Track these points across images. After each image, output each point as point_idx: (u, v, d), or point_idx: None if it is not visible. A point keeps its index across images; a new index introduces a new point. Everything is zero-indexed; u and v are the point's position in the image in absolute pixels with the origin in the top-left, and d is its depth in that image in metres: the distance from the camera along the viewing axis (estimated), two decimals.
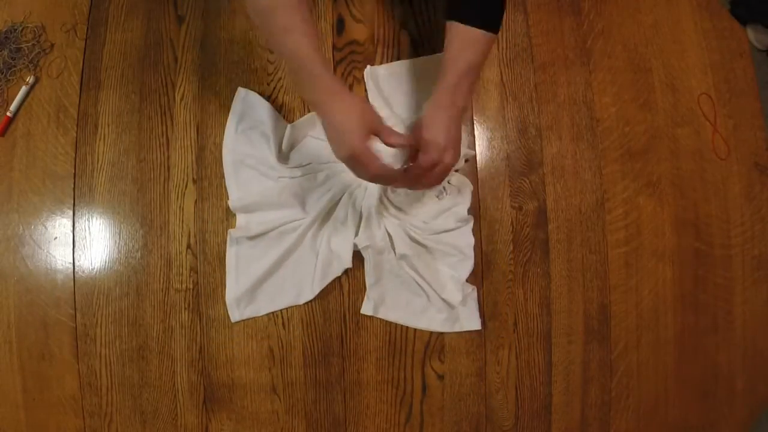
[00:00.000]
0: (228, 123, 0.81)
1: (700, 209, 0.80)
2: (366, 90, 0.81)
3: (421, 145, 0.66)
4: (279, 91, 0.83)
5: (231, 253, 0.78)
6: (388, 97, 0.80)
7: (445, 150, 0.65)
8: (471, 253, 0.77)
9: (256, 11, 0.61)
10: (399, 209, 0.77)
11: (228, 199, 0.79)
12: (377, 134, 0.64)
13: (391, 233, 0.75)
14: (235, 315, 0.78)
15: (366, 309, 0.76)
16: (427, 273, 0.75)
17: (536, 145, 0.80)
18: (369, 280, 0.76)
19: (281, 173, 0.78)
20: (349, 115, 0.62)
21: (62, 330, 0.81)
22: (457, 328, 0.76)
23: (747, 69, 0.84)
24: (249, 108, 0.81)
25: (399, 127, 0.77)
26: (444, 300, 0.75)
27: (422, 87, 0.80)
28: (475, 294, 0.77)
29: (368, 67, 0.82)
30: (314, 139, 0.80)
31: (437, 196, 0.77)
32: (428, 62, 0.81)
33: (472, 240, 0.77)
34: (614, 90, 0.82)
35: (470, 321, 0.76)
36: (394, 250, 0.76)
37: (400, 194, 0.77)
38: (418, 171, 0.67)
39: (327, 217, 0.77)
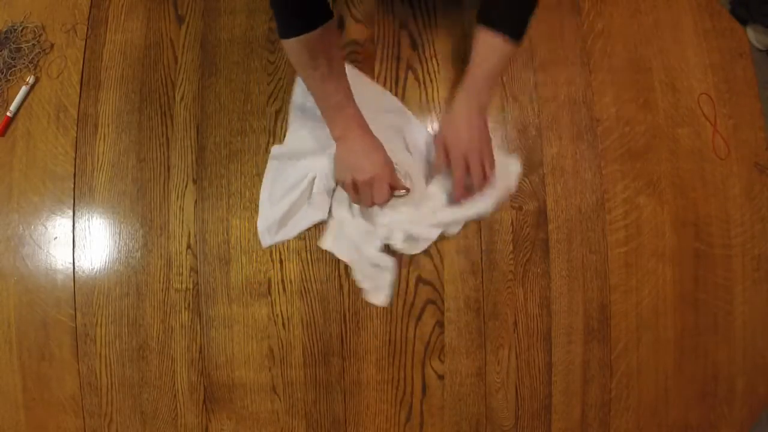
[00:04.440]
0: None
1: (700, 209, 0.80)
2: None
3: (447, 146, 0.72)
4: (279, 91, 0.83)
5: (267, 178, 0.80)
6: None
7: (469, 142, 0.70)
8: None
9: (296, 59, 0.65)
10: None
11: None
12: (383, 178, 0.70)
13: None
14: (267, 240, 0.79)
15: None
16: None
17: (536, 145, 0.80)
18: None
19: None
20: (374, 145, 0.71)
21: (62, 330, 0.81)
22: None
23: (747, 69, 0.84)
24: None
25: None
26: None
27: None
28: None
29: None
30: None
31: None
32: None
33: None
34: (614, 90, 0.82)
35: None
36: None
37: None
38: (457, 178, 0.72)
39: None
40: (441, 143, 0.73)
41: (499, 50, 0.69)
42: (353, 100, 0.70)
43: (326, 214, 0.78)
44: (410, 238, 0.76)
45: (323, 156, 0.78)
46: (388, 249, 0.77)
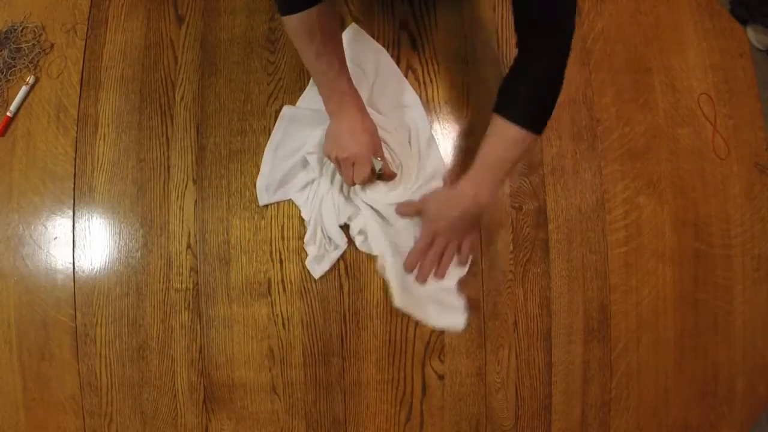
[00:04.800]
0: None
1: (700, 209, 0.80)
2: None
3: (427, 216, 0.72)
4: (279, 90, 0.83)
5: (274, 139, 0.80)
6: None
7: (443, 233, 0.71)
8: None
9: (293, 35, 0.66)
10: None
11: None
12: (369, 157, 0.71)
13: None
14: (264, 199, 0.79)
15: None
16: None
17: (536, 145, 0.80)
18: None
19: None
20: (363, 126, 0.70)
21: (62, 330, 0.81)
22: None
23: (747, 69, 0.84)
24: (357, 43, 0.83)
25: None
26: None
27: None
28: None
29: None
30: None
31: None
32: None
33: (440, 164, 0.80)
34: (614, 90, 0.82)
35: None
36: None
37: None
38: (419, 249, 0.72)
39: None
40: (421, 204, 0.72)
41: (518, 143, 0.63)
42: (348, 79, 0.70)
43: (318, 174, 0.78)
44: (363, 232, 0.76)
45: (325, 124, 0.78)
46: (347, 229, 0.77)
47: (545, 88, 0.63)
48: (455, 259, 0.74)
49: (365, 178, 0.72)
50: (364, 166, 0.70)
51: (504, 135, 0.64)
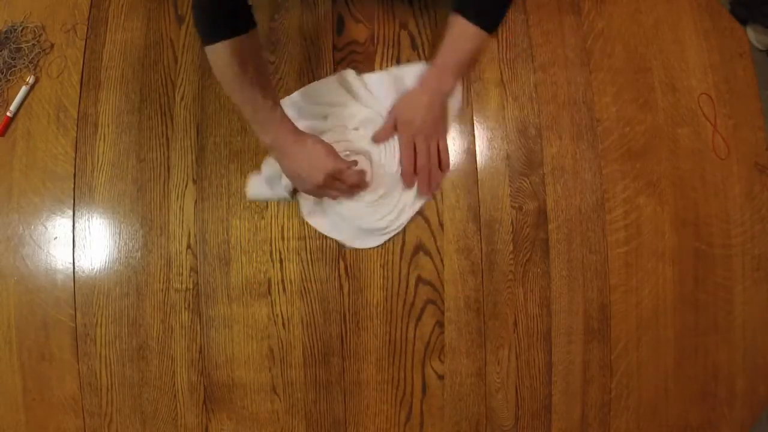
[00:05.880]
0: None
1: (700, 209, 0.80)
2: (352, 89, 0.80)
3: (398, 123, 0.75)
4: (280, 90, 0.83)
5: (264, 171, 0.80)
6: (371, 96, 0.80)
7: (423, 123, 0.73)
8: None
9: (223, 65, 0.63)
10: None
11: None
12: (337, 172, 0.71)
13: None
14: (251, 194, 0.80)
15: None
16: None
17: (536, 145, 0.80)
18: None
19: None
20: (309, 144, 0.70)
21: (62, 330, 0.81)
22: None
23: (747, 69, 0.84)
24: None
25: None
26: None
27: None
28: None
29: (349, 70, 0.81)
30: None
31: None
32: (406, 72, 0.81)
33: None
34: (614, 90, 0.82)
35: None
36: None
37: None
38: (405, 156, 0.75)
39: None
40: (392, 117, 0.76)
41: (472, 39, 0.71)
42: (280, 106, 0.69)
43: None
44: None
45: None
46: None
47: None
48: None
49: (359, 178, 0.73)
50: (345, 171, 0.71)
51: (461, 33, 0.70)
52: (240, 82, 0.63)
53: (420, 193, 0.77)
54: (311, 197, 0.78)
